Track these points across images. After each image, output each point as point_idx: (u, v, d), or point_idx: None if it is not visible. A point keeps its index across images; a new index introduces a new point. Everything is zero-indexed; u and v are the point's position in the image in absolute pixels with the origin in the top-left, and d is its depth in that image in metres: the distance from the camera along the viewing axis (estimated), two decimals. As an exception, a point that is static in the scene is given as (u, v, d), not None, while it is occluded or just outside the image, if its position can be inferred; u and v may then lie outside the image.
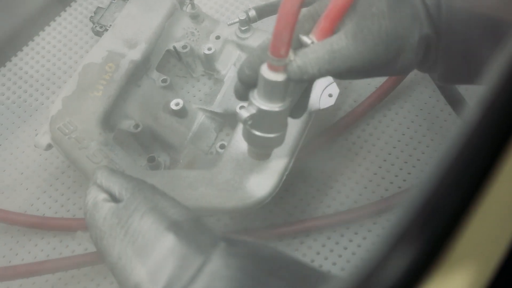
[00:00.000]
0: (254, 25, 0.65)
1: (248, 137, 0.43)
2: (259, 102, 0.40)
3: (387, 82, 0.67)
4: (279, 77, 0.38)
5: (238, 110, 0.42)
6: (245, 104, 0.42)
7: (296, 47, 0.40)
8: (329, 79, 0.59)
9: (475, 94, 0.24)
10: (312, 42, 0.40)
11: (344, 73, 0.40)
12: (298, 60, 0.38)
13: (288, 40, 0.36)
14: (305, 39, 0.40)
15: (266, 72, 0.38)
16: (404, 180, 0.63)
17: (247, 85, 0.42)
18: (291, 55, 0.38)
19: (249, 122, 0.41)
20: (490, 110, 0.22)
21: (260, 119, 0.41)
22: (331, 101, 0.58)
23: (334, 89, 0.59)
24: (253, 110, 0.40)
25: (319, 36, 0.40)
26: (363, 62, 0.39)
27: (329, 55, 0.38)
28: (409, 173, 0.64)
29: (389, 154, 0.65)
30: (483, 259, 0.23)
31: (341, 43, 0.39)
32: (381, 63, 0.40)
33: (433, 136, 0.66)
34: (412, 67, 0.44)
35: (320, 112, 0.58)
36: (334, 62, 0.38)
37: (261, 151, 0.46)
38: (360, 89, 0.69)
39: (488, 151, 0.22)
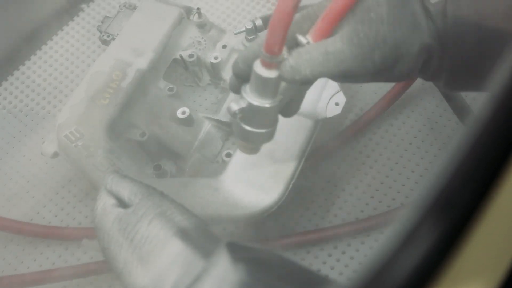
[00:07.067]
0: (260, 34, 0.66)
1: (238, 131, 0.44)
2: (250, 97, 0.41)
3: (392, 91, 0.67)
4: (271, 73, 0.39)
5: (230, 103, 0.42)
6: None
7: (293, 46, 0.40)
8: (336, 87, 0.59)
9: (483, 101, 0.23)
10: (308, 42, 0.39)
11: (337, 76, 0.40)
12: (291, 60, 0.38)
13: (282, 38, 0.36)
14: (301, 38, 0.40)
15: (258, 68, 0.39)
16: (411, 190, 0.63)
17: (240, 78, 0.42)
18: (285, 54, 0.38)
19: (239, 116, 0.42)
20: (501, 109, 0.21)
21: (250, 113, 0.41)
22: (337, 110, 0.58)
23: (341, 98, 0.59)
24: (243, 104, 0.41)
25: (315, 37, 0.39)
26: (357, 66, 0.39)
27: (323, 57, 0.38)
28: (416, 183, 0.63)
29: (396, 163, 0.65)
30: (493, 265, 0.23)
31: (336, 45, 0.38)
32: (377, 69, 0.40)
33: (441, 145, 0.66)
34: (413, 74, 0.43)
35: (326, 120, 0.58)
36: (328, 65, 0.38)
37: (250, 145, 0.46)
38: (366, 98, 0.69)
39: (496, 155, 0.22)
